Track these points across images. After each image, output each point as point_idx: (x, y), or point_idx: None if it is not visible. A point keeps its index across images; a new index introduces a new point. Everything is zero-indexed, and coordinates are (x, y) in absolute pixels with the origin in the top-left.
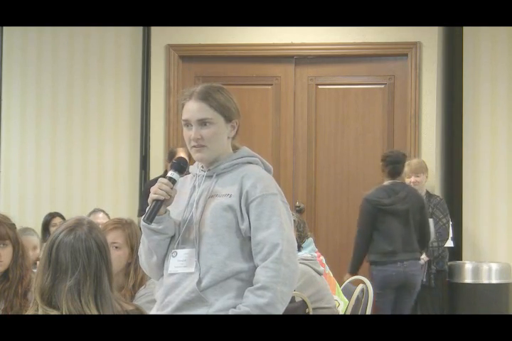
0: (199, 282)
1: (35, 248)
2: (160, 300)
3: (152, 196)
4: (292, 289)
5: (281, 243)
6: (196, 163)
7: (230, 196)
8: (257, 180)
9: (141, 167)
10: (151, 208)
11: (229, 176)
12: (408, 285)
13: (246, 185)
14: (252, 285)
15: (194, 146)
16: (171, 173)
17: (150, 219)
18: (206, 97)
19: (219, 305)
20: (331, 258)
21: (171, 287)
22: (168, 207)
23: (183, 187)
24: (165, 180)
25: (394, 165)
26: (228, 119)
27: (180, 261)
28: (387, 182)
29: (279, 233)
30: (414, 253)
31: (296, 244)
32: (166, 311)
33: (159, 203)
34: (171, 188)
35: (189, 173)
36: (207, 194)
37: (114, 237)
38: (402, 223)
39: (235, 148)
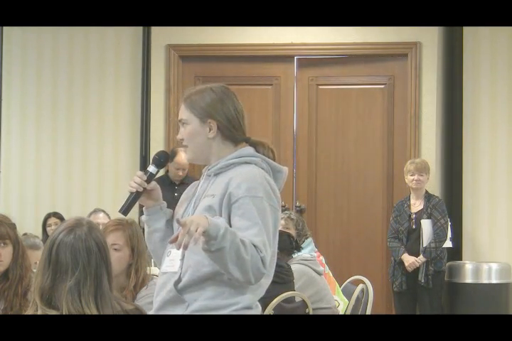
0: (178, 281)
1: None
2: (154, 299)
3: (127, 189)
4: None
5: (260, 246)
6: None
7: (214, 196)
8: (243, 181)
9: (141, 167)
10: (125, 200)
11: (222, 176)
12: None
13: (231, 186)
14: (231, 287)
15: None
16: (149, 167)
17: (123, 211)
18: (185, 99)
19: (196, 305)
20: (331, 258)
21: (160, 287)
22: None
23: (194, 187)
24: (139, 173)
25: None
26: (202, 120)
27: (170, 260)
28: None
29: (260, 235)
30: None
31: (275, 252)
32: (153, 310)
33: (133, 195)
34: (146, 181)
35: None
36: (202, 194)
37: (114, 239)
38: None
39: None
